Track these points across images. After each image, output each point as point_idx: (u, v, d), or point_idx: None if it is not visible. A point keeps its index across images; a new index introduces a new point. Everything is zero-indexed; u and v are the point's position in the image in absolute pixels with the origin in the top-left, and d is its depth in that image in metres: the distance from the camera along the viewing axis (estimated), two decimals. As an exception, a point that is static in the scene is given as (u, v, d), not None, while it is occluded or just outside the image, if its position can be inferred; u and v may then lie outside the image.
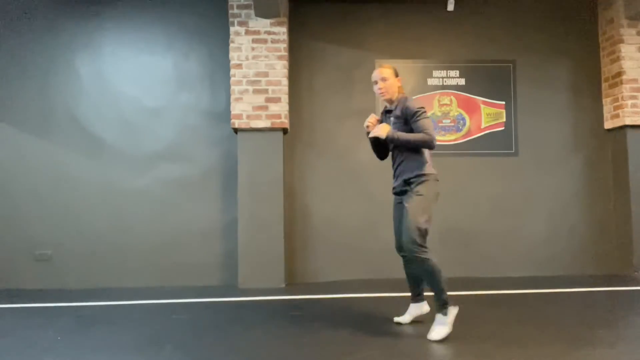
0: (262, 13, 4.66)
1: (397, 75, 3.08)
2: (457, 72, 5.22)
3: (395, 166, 3.06)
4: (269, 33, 4.76)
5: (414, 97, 3.12)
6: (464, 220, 5.11)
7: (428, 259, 2.82)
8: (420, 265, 2.84)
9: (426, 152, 2.98)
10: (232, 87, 4.74)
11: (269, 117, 4.73)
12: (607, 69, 5.20)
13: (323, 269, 4.99)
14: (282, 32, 4.76)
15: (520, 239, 5.15)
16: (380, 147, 3.20)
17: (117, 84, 5.00)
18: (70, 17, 5.00)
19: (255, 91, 4.74)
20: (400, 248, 3.07)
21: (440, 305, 2.84)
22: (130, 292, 4.49)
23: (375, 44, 5.20)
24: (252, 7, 4.66)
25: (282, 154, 4.79)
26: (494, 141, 5.18)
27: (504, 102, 5.22)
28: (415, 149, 2.92)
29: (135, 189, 4.93)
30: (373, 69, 5.17)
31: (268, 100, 4.73)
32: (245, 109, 4.73)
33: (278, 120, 4.74)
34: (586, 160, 5.25)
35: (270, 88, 4.74)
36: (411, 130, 2.91)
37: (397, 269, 4.95)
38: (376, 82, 3.07)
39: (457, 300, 3.76)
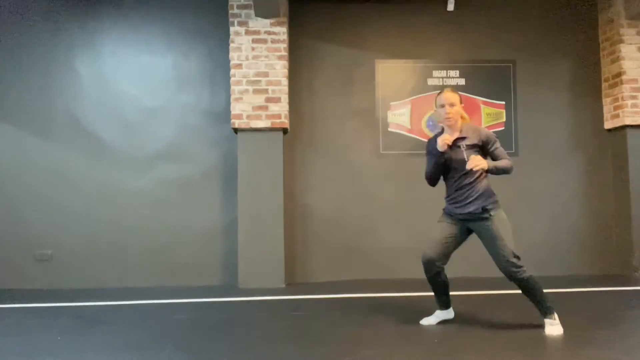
0: (262, 13, 4.66)
1: (461, 102, 3.12)
2: (457, 72, 5.22)
3: (461, 191, 3.02)
4: (269, 33, 4.76)
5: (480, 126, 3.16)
6: (464, 220, 5.10)
7: (530, 276, 2.91)
8: (525, 283, 2.91)
9: None
10: (232, 87, 4.74)
11: (269, 117, 4.73)
12: (607, 69, 5.20)
13: (323, 269, 4.99)
14: (282, 32, 4.76)
15: (520, 239, 5.11)
16: (439, 172, 3.12)
17: (117, 84, 5.00)
18: (70, 17, 5.00)
19: (255, 91, 4.74)
20: (503, 272, 2.96)
21: (546, 312, 2.96)
22: (130, 292, 4.49)
23: (375, 44, 5.20)
24: (252, 7, 4.65)
25: (282, 154, 4.79)
26: (494, 141, 5.17)
27: (504, 102, 5.22)
28: (496, 175, 3.05)
29: (135, 189, 4.93)
30: (373, 69, 5.18)
31: (268, 100, 4.73)
32: (245, 109, 4.73)
33: (278, 120, 4.73)
34: (586, 160, 5.25)
35: (270, 88, 4.74)
36: (484, 156, 3.01)
37: (397, 269, 4.97)
38: (443, 106, 3.06)
39: (457, 300, 3.76)
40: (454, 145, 3.04)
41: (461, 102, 3.10)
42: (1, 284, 4.79)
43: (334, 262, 5.01)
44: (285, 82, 4.77)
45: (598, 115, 5.27)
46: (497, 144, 3.08)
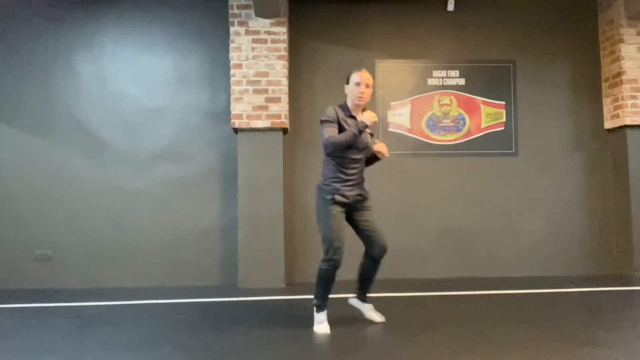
0: (262, 13, 4.66)
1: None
2: (457, 72, 5.21)
3: (354, 175, 3.06)
4: (269, 33, 4.76)
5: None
6: (464, 220, 5.11)
7: None
8: (381, 264, 3.12)
9: None
10: (232, 87, 4.74)
11: (269, 117, 4.73)
12: (607, 69, 5.20)
13: (323, 269, 4.98)
14: (282, 32, 4.76)
15: (520, 239, 5.15)
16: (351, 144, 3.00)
17: (117, 84, 5.00)
18: (70, 17, 5.00)
19: (255, 91, 4.74)
20: (382, 251, 3.08)
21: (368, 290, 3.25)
22: (130, 292, 4.49)
23: (375, 44, 5.20)
24: (252, 7, 4.65)
25: (282, 154, 4.79)
26: (494, 141, 5.18)
27: (504, 102, 5.22)
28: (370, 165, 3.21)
29: (135, 188, 4.93)
30: (373, 69, 5.17)
31: (268, 100, 4.73)
32: (245, 109, 4.73)
33: (278, 120, 4.73)
34: (586, 160, 5.25)
35: (270, 88, 4.74)
36: None
37: (397, 268, 4.97)
38: (359, 85, 3.01)
39: (457, 300, 3.76)
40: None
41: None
42: (1, 284, 4.79)
43: (334, 262, 5.00)
44: (285, 82, 4.77)
45: (598, 115, 5.27)
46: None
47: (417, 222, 5.09)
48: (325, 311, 3.08)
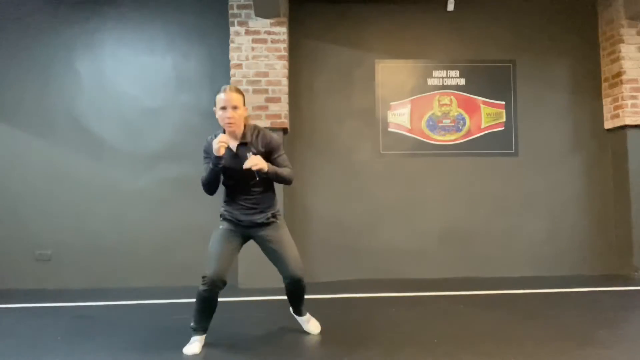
0: (262, 13, 4.66)
1: (244, 103, 2.75)
2: (457, 72, 5.22)
3: (249, 199, 2.81)
4: (269, 33, 4.76)
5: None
6: (464, 220, 5.11)
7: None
8: (303, 284, 2.89)
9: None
10: (232, 87, 4.73)
11: (269, 117, 4.73)
12: (607, 69, 5.20)
13: (323, 269, 4.99)
14: (282, 32, 4.76)
15: (520, 239, 5.15)
16: (216, 180, 2.76)
17: (117, 84, 5.00)
18: (70, 17, 5.00)
19: (255, 91, 4.74)
20: (292, 281, 2.83)
21: (302, 310, 3.09)
22: (130, 292, 4.49)
23: (375, 44, 5.20)
24: (252, 7, 4.65)
25: (282, 154, 4.78)
26: (494, 141, 5.18)
27: (504, 102, 5.22)
28: (278, 183, 2.83)
29: (135, 188, 4.93)
30: (373, 69, 5.18)
31: (268, 100, 4.73)
32: (245, 109, 4.72)
33: (278, 120, 4.74)
34: (586, 160, 5.25)
35: (270, 88, 4.74)
36: (272, 163, 2.75)
37: (397, 268, 4.98)
38: (225, 109, 2.65)
39: (457, 300, 3.77)
40: (237, 154, 2.73)
41: (244, 104, 2.73)
42: (1, 284, 4.79)
43: (334, 262, 5.01)
44: (285, 82, 4.77)
45: (598, 115, 5.27)
46: (281, 151, 2.81)
47: (416, 222, 5.09)
48: (202, 336, 2.80)
